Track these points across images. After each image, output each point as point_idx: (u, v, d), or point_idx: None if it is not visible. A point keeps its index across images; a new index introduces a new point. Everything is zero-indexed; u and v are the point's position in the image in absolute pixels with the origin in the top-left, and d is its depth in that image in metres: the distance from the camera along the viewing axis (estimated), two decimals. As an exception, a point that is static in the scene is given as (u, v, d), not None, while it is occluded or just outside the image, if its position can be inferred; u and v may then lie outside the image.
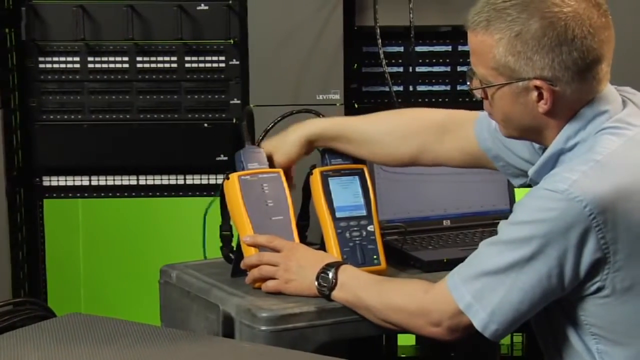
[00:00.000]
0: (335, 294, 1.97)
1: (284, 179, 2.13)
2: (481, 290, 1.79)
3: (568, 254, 1.74)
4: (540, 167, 1.87)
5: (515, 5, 1.77)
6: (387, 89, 2.56)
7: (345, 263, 2.03)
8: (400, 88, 2.67)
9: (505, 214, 2.36)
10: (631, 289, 1.76)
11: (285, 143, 2.17)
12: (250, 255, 2.07)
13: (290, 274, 2.01)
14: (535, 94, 1.79)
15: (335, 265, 1.98)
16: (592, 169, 1.75)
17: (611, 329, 1.80)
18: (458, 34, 2.65)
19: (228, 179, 2.11)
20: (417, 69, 2.66)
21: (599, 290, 1.77)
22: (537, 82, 1.78)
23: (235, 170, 2.13)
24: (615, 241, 1.73)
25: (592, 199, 1.71)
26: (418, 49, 2.65)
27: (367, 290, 1.94)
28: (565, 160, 1.83)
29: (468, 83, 1.89)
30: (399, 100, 2.61)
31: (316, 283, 1.98)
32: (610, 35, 1.80)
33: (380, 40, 2.52)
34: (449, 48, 2.69)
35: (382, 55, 2.53)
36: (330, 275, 1.97)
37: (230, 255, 2.17)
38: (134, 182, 2.69)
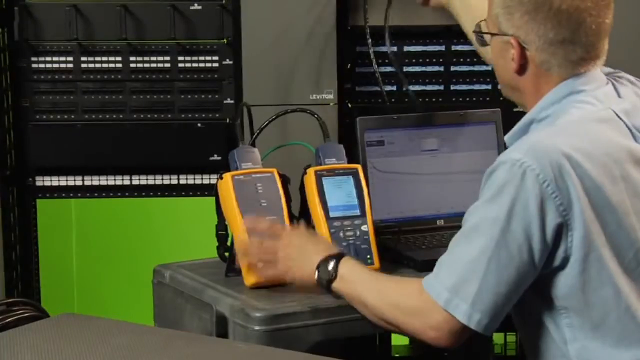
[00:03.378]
0: (335, 285, 1.95)
1: (278, 178, 2.13)
2: (457, 283, 1.80)
3: (532, 225, 1.77)
4: (514, 132, 1.93)
5: None
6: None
7: (347, 255, 2.01)
8: (394, 88, 2.67)
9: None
10: (589, 254, 1.79)
11: None
12: (248, 242, 2.04)
13: (290, 261, 2.00)
14: (512, 51, 1.88)
15: (337, 257, 1.97)
16: (546, 135, 1.82)
17: (575, 297, 1.81)
18: (451, 34, 2.64)
19: (222, 178, 2.11)
20: (411, 69, 2.66)
21: (566, 260, 1.79)
22: (512, 40, 1.86)
23: (229, 170, 2.13)
24: (572, 206, 1.77)
25: (544, 166, 1.76)
26: (411, 48, 2.65)
27: (366, 285, 1.93)
28: (533, 129, 1.89)
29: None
30: (392, 100, 2.61)
31: (316, 273, 1.97)
32: (601, 24, 1.85)
33: (370, 40, 2.52)
34: (443, 48, 2.69)
35: (372, 55, 2.53)
36: (331, 267, 1.96)
37: (226, 254, 2.17)
38: (127, 182, 2.69)
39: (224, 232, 2.18)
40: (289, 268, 2.00)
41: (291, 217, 2.15)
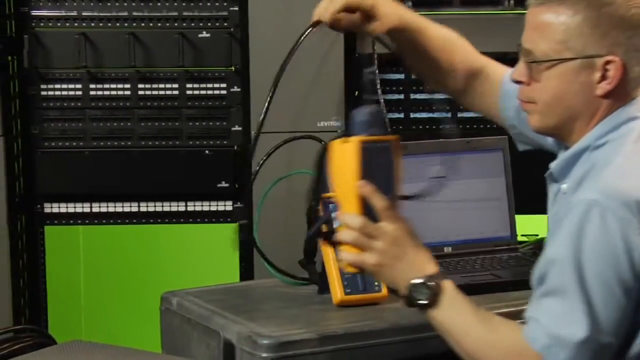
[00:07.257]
0: (432, 313, 1.77)
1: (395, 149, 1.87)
2: (555, 332, 1.68)
3: (621, 265, 1.66)
4: (564, 162, 1.82)
5: None
6: (389, 115, 2.57)
7: (444, 276, 1.79)
8: (401, 115, 2.68)
9: (505, 241, 2.36)
10: None
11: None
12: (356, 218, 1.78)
13: (388, 259, 1.78)
14: (598, 74, 1.75)
15: (436, 280, 1.76)
16: (618, 175, 1.70)
17: None
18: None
19: (344, 141, 1.79)
20: (418, 96, 2.67)
21: None
22: (610, 58, 1.73)
23: (348, 135, 1.81)
24: None
25: (622, 205, 1.65)
26: (419, 76, 2.66)
27: (466, 327, 1.76)
28: (589, 158, 1.78)
29: (521, 61, 1.80)
30: (399, 127, 2.62)
31: (408, 289, 1.76)
32: None
33: (377, 69, 2.54)
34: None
35: (378, 83, 2.54)
36: (428, 292, 1.76)
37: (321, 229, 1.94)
38: (135, 209, 2.69)
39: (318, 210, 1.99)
40: (385, 265, 1.77)
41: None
